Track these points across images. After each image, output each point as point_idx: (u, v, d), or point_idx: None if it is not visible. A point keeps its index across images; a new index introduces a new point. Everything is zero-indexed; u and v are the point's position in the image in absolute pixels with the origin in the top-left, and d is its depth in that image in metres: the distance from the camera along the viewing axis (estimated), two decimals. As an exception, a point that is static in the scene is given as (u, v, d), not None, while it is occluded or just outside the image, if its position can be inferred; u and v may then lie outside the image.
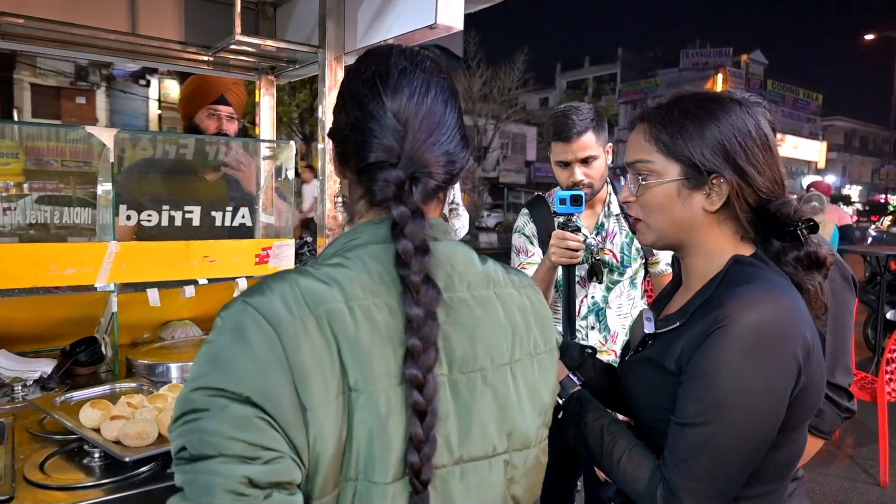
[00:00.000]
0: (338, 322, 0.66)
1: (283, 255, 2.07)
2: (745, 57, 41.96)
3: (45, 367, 1.65)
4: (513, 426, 0.78)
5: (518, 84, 22.80)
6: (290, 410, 0.62)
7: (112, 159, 1.70)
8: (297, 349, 0.63)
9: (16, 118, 14.08)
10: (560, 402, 1.10)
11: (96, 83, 16.89)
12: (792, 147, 42.02)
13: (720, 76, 40.03)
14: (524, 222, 2.06)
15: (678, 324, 1.00)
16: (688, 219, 1.00)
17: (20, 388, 1.57)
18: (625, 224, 1.96)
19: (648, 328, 1.08)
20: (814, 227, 0.99)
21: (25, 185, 2.18)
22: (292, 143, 2.23)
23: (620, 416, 1.20)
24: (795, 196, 1.02)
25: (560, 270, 1.79)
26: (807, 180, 9.07)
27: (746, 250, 1.01)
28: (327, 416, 0.63)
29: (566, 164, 1.87)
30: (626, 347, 1.21)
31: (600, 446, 1.03)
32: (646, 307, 1.65)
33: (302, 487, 0.63)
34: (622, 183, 1.85)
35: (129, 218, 1.97)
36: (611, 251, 1.95)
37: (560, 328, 1.78)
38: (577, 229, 1.74)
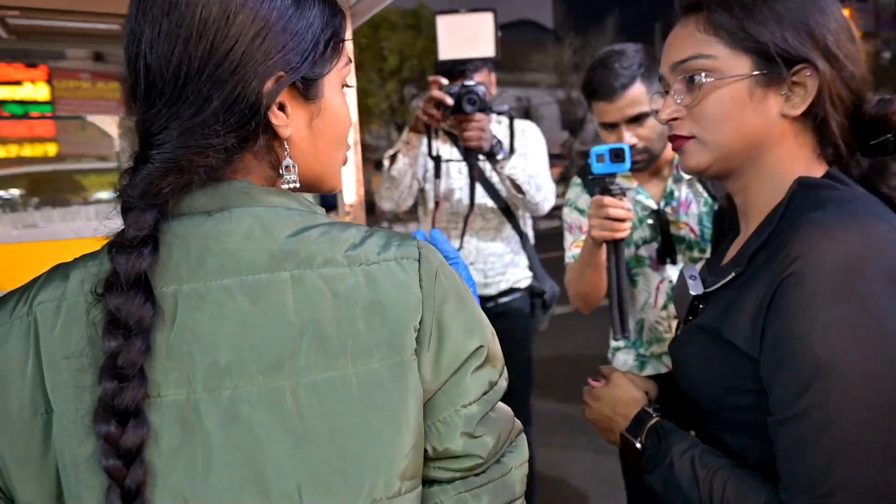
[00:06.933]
0: (43, 324, 0.55)
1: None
2: (873, -12, 37.70)
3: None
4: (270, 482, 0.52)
5: (611, 50, 21.78)
6: None
7: (117, 148, 1.61)
8: None
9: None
10: (637, 445, 0.86)
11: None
12: (938, 84, 37.17)
13: (845, 13, 36.20)
14: (576, 194, 1.66)
15: (733, 274, 0.77)
16: (761, 129, 0.77)
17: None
18: (702, 190, 1.52)
19: (695, 288, 0.83)
20: None
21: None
22: None
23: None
24: None
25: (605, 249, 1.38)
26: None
27: (819, 171, 0.77)
28: (13, 439, 0.53)
29: (613, 126, 1.48)
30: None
31: (696, 484, 0.75)
32: (689, 264, 1.29)
33: None
34: None
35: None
36: (686, 224, 1.52)
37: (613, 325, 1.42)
38: (623, 193, 1.32)
